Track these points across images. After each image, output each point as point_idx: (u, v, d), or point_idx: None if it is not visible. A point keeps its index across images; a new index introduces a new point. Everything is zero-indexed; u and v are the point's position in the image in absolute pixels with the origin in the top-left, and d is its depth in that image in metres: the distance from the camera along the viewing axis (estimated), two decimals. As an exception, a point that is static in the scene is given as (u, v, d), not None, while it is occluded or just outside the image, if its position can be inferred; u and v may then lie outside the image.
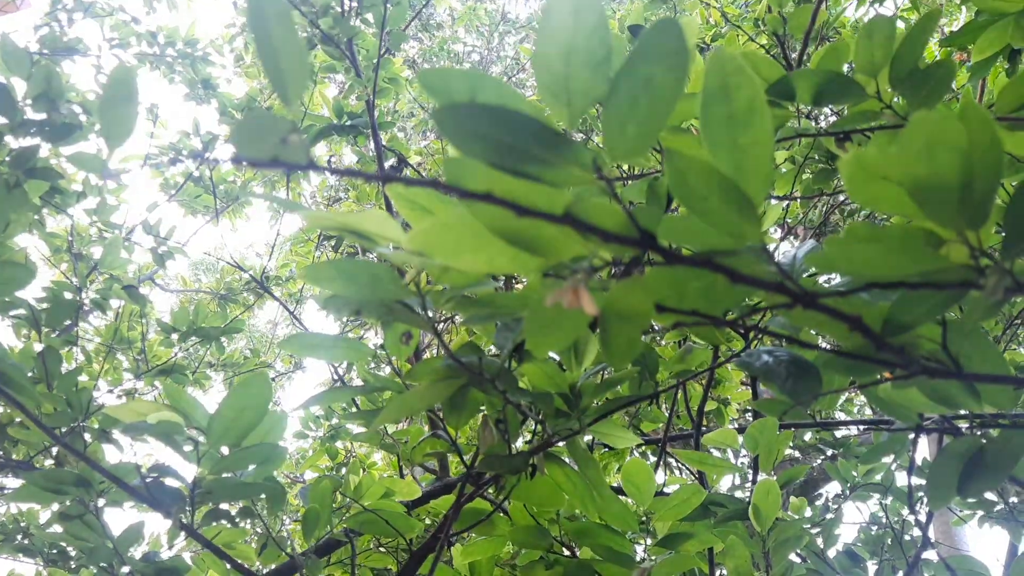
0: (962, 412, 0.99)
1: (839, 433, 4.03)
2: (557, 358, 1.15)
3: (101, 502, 1.58)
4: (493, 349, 1.19)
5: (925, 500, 2.79)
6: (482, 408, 1.18)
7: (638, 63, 0.50)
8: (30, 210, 2.68)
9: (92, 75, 4.55)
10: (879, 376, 0.65)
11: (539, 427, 1.16)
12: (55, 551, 2.64)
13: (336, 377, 3.87)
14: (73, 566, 2.63)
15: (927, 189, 0.48)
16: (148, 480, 1.39)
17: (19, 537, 2.90)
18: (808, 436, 4.21)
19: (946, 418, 1.02)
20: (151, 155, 5.11)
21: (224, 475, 1.39)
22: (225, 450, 1.34)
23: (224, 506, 1.50)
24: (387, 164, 4.41)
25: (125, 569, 1.65)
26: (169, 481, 1.43)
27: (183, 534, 1.66)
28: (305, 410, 3.46)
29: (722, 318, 0.65)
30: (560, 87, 0.52)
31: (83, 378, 4.24)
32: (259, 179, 6.15)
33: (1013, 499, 2.73)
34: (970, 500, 2.68)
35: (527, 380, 1.16)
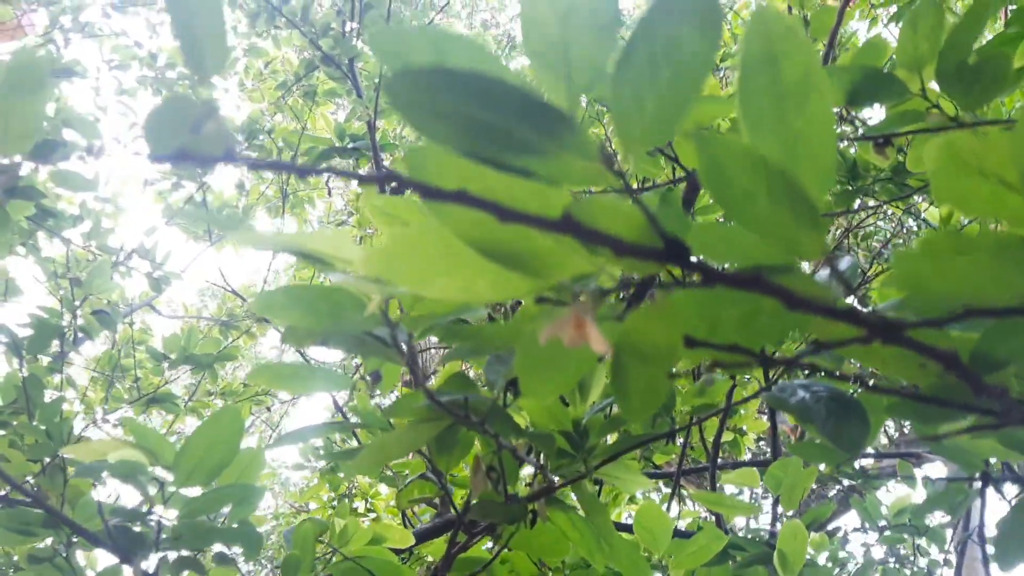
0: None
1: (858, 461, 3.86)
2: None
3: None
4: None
5: (954, 540, 2.64)
6: (477, 445, 1.05)
7: (659, 22, 0.39)
8: (14, 232, 2.58)
9: (91, 98, 4.48)
10: (963, 427, 0.53)
11: (540, 469, 1.04)
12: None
13: (336, 407, 3.74)
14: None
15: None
16: (112, 523, 1.26)
17: (11, 572, 2.77)
18: (824, 466, 4.05)
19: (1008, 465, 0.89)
20: (151, 179, 5.05)
21: (197, 519, 1.26)
22: (196, 491, 1.22)
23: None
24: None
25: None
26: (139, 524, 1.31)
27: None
28: (304, 442, 3.33)
29: (767, 354, 0.52)
30: (556, 56, 0.40)
31: (78, 407, 4.14)
32: (262, 204, 6.07)
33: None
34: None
35: (525, 416, 1.03)
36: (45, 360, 3.06)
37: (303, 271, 6.66)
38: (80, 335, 3.04)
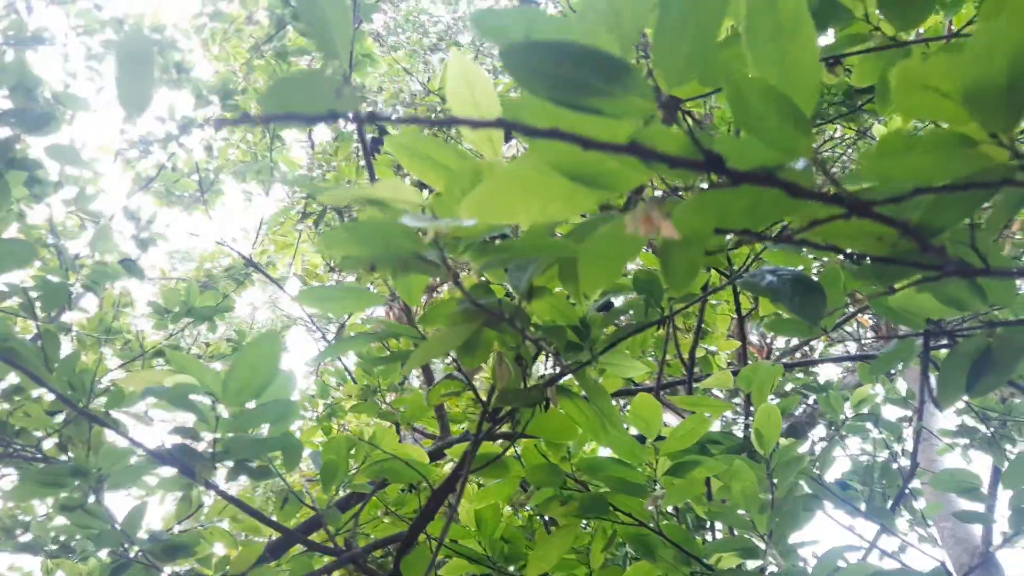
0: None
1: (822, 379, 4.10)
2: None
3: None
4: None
5: (910, 429, 2.89)
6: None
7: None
8: (11, 202, 2.67)
9: (60, 64, 4.49)
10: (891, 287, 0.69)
11: (550, 362, 1.23)
12: (56, 546, 2.62)
13: (326, 341, 3.89)
14: (75, 559, 2.61)
15: (980, 92, 0.52)
16: (171, 446, 1.41)
17: (19, 532, 2.86)
18: (789, 387, 4.31)
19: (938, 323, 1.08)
20: (120, 149, 5.09)
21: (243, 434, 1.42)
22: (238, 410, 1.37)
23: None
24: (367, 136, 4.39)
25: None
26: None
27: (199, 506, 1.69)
28: (300, 392, 3.48)
29: (768, 235, 0.69)
30: (608, 15, 0.56)
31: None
32: (230, 167, 6.10)
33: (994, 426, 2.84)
34: (954, 428, 2.80)
35: (537, 316, 1.21)
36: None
37: (275, 229, 6.72)
38: (78, 294, 3.13)
